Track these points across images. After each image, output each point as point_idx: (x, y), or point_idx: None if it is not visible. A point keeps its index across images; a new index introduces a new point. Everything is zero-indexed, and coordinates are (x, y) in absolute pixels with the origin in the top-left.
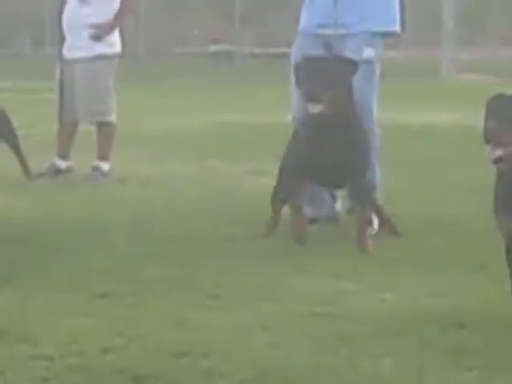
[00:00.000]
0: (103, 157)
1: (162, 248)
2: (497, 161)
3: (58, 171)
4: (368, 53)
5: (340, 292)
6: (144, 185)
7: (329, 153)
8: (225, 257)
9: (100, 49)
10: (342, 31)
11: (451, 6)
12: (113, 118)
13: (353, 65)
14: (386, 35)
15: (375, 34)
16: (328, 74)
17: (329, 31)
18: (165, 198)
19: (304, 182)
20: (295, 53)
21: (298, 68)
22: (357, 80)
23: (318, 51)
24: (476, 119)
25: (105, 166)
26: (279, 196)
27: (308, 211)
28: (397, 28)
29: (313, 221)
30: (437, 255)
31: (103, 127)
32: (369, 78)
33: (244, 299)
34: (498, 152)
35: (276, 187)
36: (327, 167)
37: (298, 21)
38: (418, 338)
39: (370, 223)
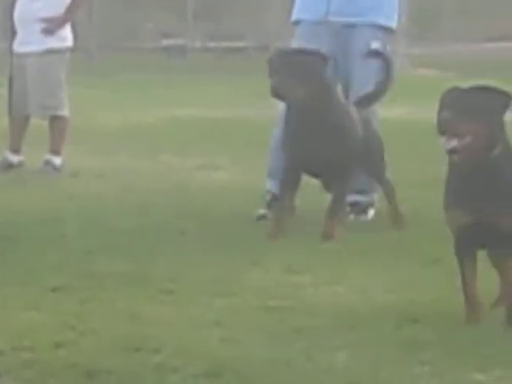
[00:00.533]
0: (55, 151)
1: (114, 242)
2: (451, 151)
3: (9, 165)
4: (375, 45)
5: (294, 285)
6: (97, 179)
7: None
8: (178, 251)
9: (51, 43)
10: (352, 20)
11: (404, 2)
12: (65, 112)
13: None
14: (389, 31)
15: (383, 28)
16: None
17: (337, 19)
18: (117, 192)
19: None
20: (298, 44)
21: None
22: (362, 72)
23: (324, 41)
24: (431, 113)
25: (57, 160)
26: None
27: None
28: (394, 24)
29: (355, 204)
30: (391, 249)
31: (55, 121)
32: (374, 71)
33: (197, 293)
34: (453, 143)
35: None
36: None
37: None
38: (372, 331)
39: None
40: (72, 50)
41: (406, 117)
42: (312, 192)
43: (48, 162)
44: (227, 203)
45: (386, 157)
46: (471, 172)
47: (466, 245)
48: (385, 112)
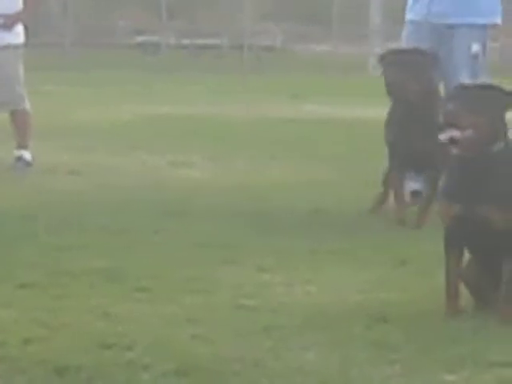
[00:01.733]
0: (23, 146)
1: (89, 239)
2: (451, 141)
3: None
4: (475, 48)
5: (265, 284)
6: (72, 175)
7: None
8: (153, 248)
9: (8, 39)
10: (452, 21)
11: (378, 2)
12: (26, 105)
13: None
14: (490, 28)
15: (482, 27)
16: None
17: (437, 20)
18: (93, 188)
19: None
20: (406, 42)
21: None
22: (463, 75)
23: (426, 41)
24: None
25: (27, 155)
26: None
27: (412, 185)
28: (499, 20)
29: (416, 194)
30: (363, 250)
31: (17, 116)
32: (474, 73)
33: (170, 291)
34: (454, 133)
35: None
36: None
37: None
38: (342, 331)
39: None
40: (47, 45)
41: (379, 117)
42: (288, 190)
43: (19, 159)
44: (202, 201)
45: (361, 156)
46: (470, 165)
47: (456, 237)
48: (359, 112)
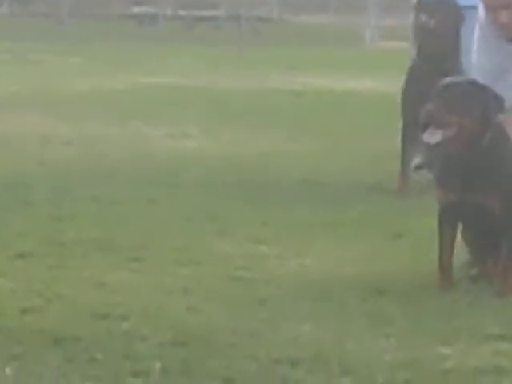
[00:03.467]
0: None
1: (83, 209)
2: (436, 146)
3: None
4: None
5: (260, 256)
6: (66, 145)
7: None
8: (147, 219)
9: None
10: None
11: None
12: None
13: None
14: None
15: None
16: None
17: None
18: (87, 158)
19: None
20: None
21: None
22: (467, 28)
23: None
24: (398, 86)
25: None
26: None
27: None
28: None
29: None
30: (357, 223)
31: None
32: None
33: (164, 262)
34: (437, 137)
35: None
36: None
37: None
38: (338, 303)
39: None
40: (42, 15)
41: (374, 89)
42: (281, 161)
43: None
44: (195, 171)
45: (355, 129)
46: (461, 157)
47: (449, 219)
48: (354, 84)
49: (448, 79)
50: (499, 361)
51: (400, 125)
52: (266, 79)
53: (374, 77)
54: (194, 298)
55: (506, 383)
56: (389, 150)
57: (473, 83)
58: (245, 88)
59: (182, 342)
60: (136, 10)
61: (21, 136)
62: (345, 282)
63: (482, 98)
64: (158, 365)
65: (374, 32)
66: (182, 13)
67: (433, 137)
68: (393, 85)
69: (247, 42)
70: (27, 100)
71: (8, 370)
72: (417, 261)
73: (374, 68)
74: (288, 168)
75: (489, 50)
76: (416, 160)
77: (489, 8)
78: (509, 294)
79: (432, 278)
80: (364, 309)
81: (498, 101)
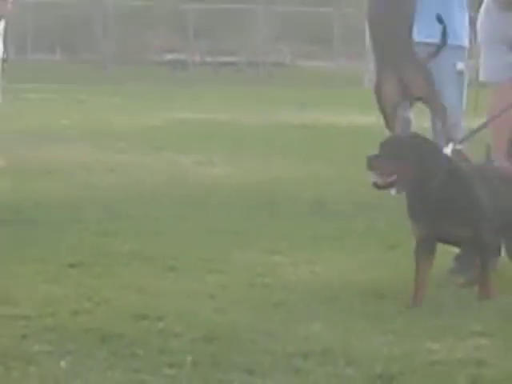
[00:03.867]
0: None
1: (124, 226)
2: (374, 185)
3: None
4: (460, 66)
5: (275, 265)
6: (109, 172)
7: None
8: (178, 234)
9: None
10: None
11: None
12: None
13: None
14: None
15: (463, 48)
16: None
17: (428, 41)
18: (126, 183)
19: None
20: None
21: None
22: (449, 89)
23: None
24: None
25: None
26: None
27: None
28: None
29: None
30: (358, 236)
31: None
32: (459, 88)
33: (193, 271)
34: (377, 180)
35: None
36: None
37: None
38: (343, 305)
39: None
40: (89, 62)
41: (372, 124)
42: (294, 185)
43: None
44: (220, 193)
45: (356, 156)
46: (418, 197)
47: (423, 248)
48: (354, 119)
49: (391, 135)
50: (480, 354)
51: None
52: (280, 115)
53: (371, 114)
54: (219, 301)
55: (486, 374)
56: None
57: (411, 137)
58: (262, 123)
59: (210, 338)
60: (169, 56)
61: (70, 164)
62: (349, 287)
63: (415, 150)
64: (189, 358)
65: (372, 76)
66: (208, 59)
67: (375, 179)
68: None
69: (263, 83)
70: (75, 133)
71: (63, 363)
72: (410, 269)
73: (371, 107)
74: (299, 190)
75: (489, 16)
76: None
77: None
78: (487, 298)
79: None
80: (366, 310)
81: (431, 147)
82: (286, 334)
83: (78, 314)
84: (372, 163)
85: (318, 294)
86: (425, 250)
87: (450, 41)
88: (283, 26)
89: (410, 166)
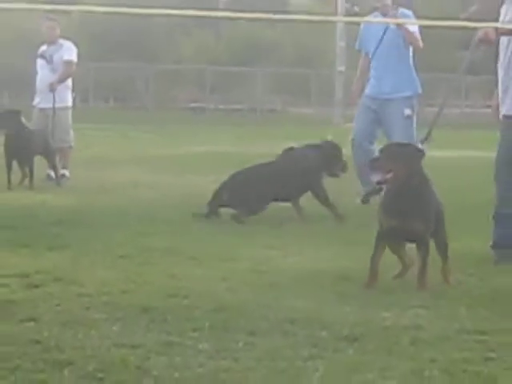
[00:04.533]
0: (66, 167)
1: (159, 228)
2: (378, 183)
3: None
4: (407, 112)
5: (271, 256)
6: (149, 188)
7: None
8: (199, 233)
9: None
10: (387, 96)
11: (341, 80)
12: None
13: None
14: (415, 97)
15: (410, 97)
16: None
17: (378, 96)
18: (161, 196)
19: None
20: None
21: None
22: (400, 131)
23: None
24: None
25: (67, 173)
26: None
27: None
28: (419, 90)
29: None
30: (328, 233)
31: (66, 150)
32: (408, 130)
33: (211, 261)
34: (377, 177)
35: None
36: None
37: None
38: (319, 285)
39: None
40: (134, 108)
41: None
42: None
43: (63, 175)
44: None
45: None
46: (397, 193)
47: (384, 236)
48: None
49: (389, 142)
50: (418, 321)
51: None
52: (273, 147)
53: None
54: (229, 282)
55: (423, 335)
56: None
57: (405, 144)
58: (260, 152)
59: (222, 309)
60: (192, 105)
61: (121, 183)
62: (323, 272)
63: (408, 153)
64: (207, 324)
65: (340, 119)
66: (220, 106)
67: (376, 177)
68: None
69: (261, 124)
70: (124, 160)
71: (115, 328)
72: (366, 260)
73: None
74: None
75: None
76: (364, 194)
77: None
78: (423, 287)
79: (381, 271)
80: (335, 289)
81: (420, 154)
82: (278, 306)
83: (126, 293)
84: (373, 164)
85: (301, 278)
86: (385, 240)
87: (398, 93)
88: (275, 82)
89: (402, 166)
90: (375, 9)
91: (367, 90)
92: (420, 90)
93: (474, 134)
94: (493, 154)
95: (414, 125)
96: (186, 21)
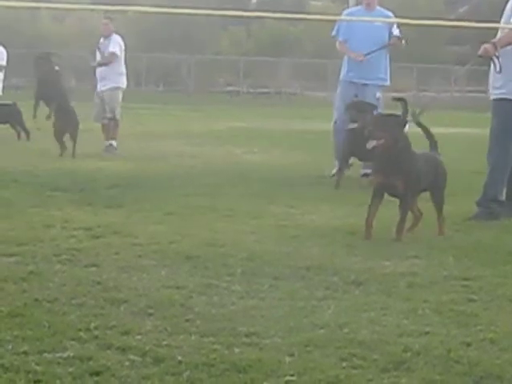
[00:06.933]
0: (114, 138)
1: (201, 190)
2: (373, 149)
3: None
4: (378, 95)
5: (291, 214)
6: (192, 158)
7: None
8: (234, 195)
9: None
10: (365, 82)
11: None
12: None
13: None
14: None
15: (381, 86)
16: None
17: (357, 81)
18: (202, 164)
19: None
20: (340, 94)
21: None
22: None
23: (351, 95)
24: None
25: (115, 143)
26: None
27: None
28: (388, 83)
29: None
30: (337, 195)
31: (114, 123)
32: (379, 107)
33: (243, 217)
34: (373, 143)
35: None
36: None
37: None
38: (330, 239)
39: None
40: (178, 91)
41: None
42: (302, 166)
43: (111, 145)
44: (259, 172)
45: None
46: (386, 156)
47: (378, 192)
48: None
49: (378, 113)
50: (414, 269)
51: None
52: (293, 125)
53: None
54: (257, 235)
55: (417, 280)
56: None
57: (391, 115)
58: (284, 129)
59: (252, 258)
60: (229, 88)
61: (168, 153)
62: (334, 228)
63: (395, 122)
64: (239, 270)
65: None
66: (251, 90)
67: (371, 144)
68: None
69: (285, 105)
70: (170, 135)
71: (163, 272)
72: (376, 217)
73: None
74: (306, 170)
75: None
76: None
77: None
78: (399, 238)
79: (382, 227)
80: (344, 241)
81: (403, 122)
82: (297, 255)
83: (172, 243)
84: (370, 133)
85: (316, 232)
86: (377, 197)
87: (374, 81)
88: (296, 71)
89: (391, 133)
90: (360, 3)
91: (345, 76)
92: (389, 83)
93: (462, 115)
94: (477, 131)
95: (382, 106)
96: (223, 19)
